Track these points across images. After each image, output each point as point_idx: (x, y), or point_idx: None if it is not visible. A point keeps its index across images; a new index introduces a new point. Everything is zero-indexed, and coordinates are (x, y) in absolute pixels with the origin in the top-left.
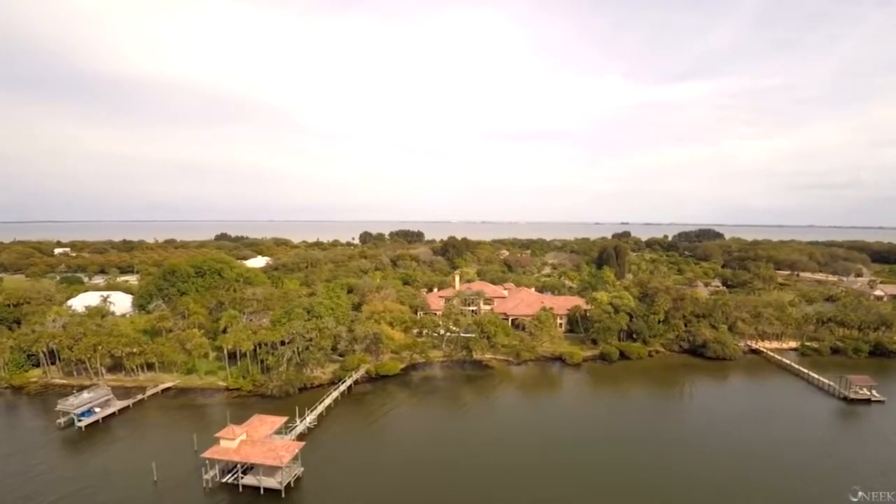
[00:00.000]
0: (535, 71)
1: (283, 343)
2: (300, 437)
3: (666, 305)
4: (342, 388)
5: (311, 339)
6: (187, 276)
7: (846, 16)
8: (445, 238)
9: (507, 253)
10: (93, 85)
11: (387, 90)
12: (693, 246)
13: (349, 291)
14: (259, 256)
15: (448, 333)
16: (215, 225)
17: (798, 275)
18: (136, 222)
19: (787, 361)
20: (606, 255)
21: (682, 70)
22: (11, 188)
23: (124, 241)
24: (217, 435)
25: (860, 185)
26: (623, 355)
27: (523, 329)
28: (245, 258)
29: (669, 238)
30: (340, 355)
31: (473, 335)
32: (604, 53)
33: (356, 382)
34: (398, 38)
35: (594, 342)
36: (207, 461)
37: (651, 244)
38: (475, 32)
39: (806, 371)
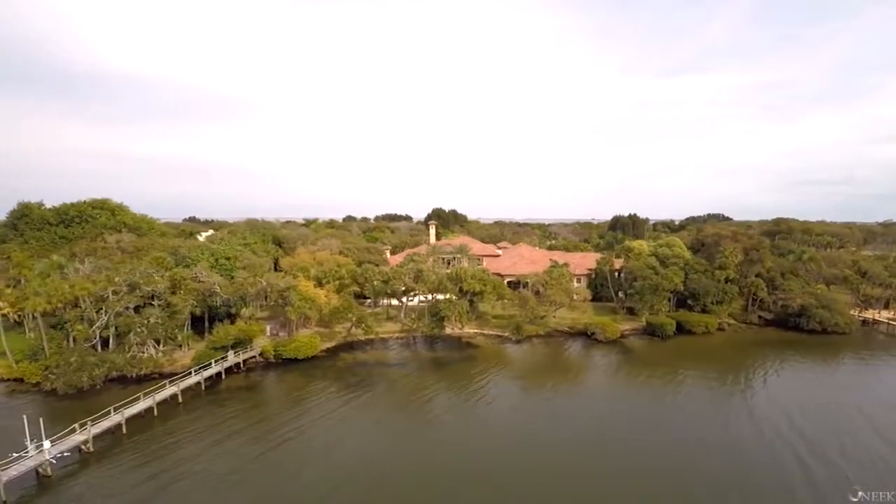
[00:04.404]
0: (530, 65)
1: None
2: (43, 481)
3: (736, 258)
4: (192, 379)
5: (155, 296)
6: (43, 222)
7: (844, 11)
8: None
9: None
10: (74, 80)
11: (374, 85)
12: (705, 228)
13: (279, 245)
14: (212, 231)
15: (409, 296)
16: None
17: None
18: None
19: None
20: (621, 224)
21: (678, 66)
22: None
23: None
24: None
25: (854, 182)
26: (679, 329)
27: (526, 286)
28: (198, 232)
29: (677, 223)
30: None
31: (447, 296)
32: (601, 48)
33: (239, 369)
34: (387, 31)
35: (630, 311)
36: None
37: (657, 227)
38: (470, 27)
39: None
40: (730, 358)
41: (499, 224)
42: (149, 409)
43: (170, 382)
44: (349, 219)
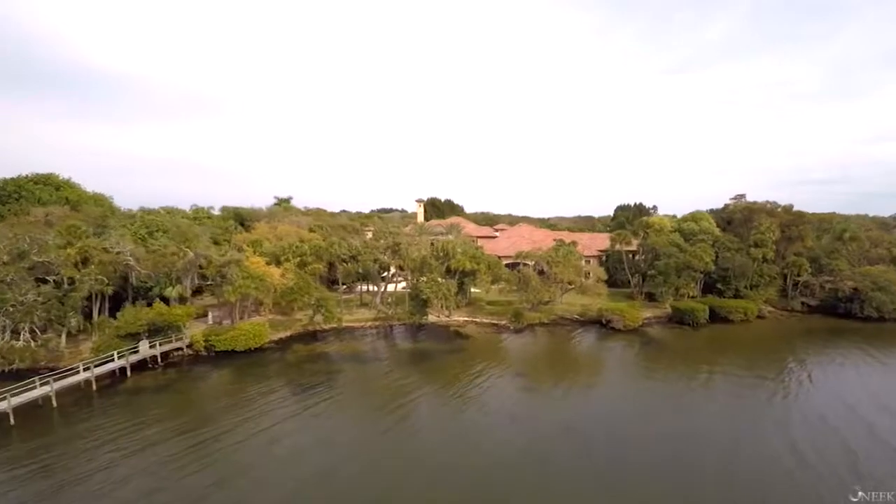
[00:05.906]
0: (527, 62)
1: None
2: None
3: (773, 234)
4: (78, 377)
5: (55, 272)
6: None
7: (843, 8)
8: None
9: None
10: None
11: (369, 79)
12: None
13: (241, 224)
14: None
15: (388, 278)
16: None
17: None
18: None
19: None
20: (626, 212)
21: (678, 65)
22: None
23: None
24: None
25: (850, 181)
26: (710, 316)
27: (527, 267)
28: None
29: (679, 217)
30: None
31: (430, 277)
32: (598, 46)
33: (156, 364)
34: (377, 25)
35: (650, 297)
36: None
37: None
38: (467, 23)
39: None
40: (783, 350)
41: (495, 217)
42: (3, 415)
43: (40, 380)
44: (343, 212)
